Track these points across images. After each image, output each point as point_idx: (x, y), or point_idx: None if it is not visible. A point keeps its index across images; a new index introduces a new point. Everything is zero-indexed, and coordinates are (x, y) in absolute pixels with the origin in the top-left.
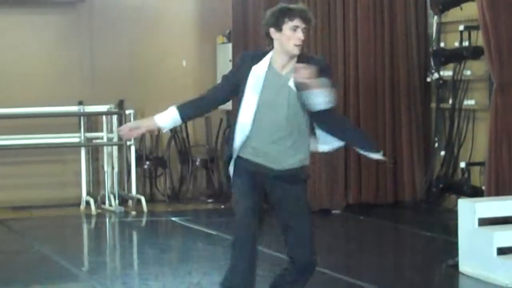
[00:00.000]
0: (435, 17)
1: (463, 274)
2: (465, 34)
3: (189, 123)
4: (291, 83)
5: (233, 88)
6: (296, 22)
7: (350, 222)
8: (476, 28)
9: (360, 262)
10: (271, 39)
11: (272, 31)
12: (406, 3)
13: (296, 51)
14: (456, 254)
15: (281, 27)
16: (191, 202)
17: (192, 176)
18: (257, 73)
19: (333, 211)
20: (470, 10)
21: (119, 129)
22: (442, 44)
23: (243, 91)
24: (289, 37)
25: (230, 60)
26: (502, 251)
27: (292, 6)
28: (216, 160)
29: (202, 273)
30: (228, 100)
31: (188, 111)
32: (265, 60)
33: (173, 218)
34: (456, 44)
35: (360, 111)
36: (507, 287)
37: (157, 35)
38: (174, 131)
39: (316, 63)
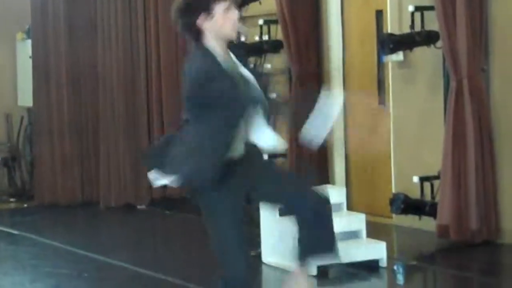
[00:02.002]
0: None
1: (266, 264)
2: (265, 28)
3: None
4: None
5: None
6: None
7: (155, 217)
8: (275, 22)
9: (166, 256)
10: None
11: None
12: None
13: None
14: (259, 245)
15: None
16: None
17: None
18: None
19: (138, 206)
20: (269, 5)
21: None
22: (243, 39)
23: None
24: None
25: (30, 57)
26: None
27: None
28: (18, 158)
29: (3, 273)
30: None
31: None
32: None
33: None
34: (256, 38)
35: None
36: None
37: None
38: None
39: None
